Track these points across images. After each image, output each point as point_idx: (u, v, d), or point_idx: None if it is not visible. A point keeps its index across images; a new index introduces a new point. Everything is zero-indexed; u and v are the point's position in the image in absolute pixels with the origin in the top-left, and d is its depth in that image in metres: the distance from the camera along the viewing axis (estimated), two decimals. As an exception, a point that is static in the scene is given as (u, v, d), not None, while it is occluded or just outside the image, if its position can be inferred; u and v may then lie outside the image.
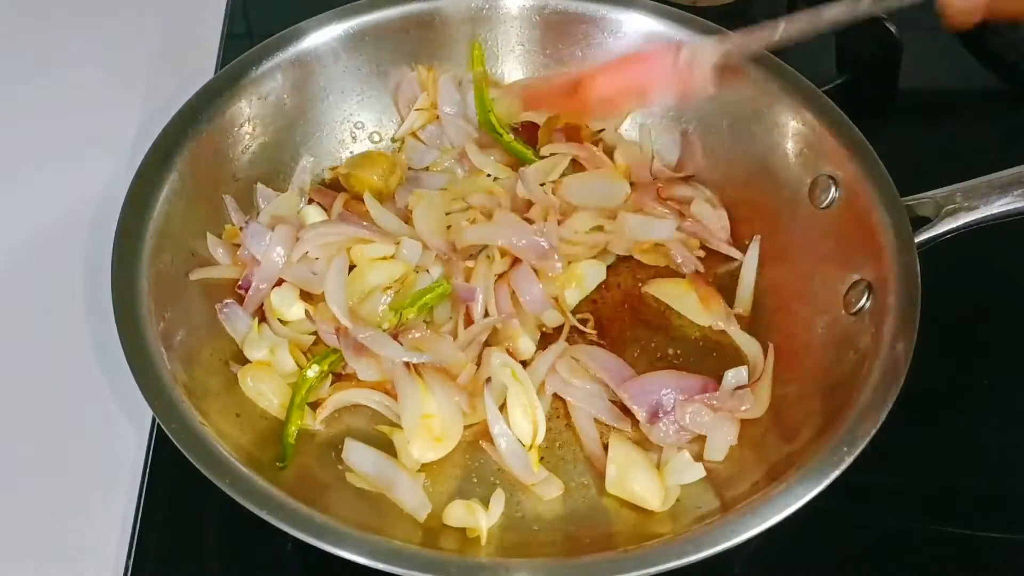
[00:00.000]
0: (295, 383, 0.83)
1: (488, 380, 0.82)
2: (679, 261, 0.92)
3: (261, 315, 0.87)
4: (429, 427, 0.80)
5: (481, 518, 0.75)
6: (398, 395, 0.81)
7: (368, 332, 0.83)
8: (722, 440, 0.80)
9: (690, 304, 0.90)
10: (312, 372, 0.82)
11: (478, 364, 0.84)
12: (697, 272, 0.92)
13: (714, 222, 0.93)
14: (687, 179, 0.98)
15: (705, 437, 0.81)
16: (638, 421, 0.82)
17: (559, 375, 0.84)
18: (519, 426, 0.81)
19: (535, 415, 0.81)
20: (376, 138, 1.02)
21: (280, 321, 0.87)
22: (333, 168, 0.99)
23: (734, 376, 0.84)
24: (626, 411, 0.83)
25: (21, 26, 1.20)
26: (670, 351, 0.88)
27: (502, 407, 0.82)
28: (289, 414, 0.81)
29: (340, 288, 0.85)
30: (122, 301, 0.78)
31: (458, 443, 0.81)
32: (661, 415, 0.81)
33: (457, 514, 0.76)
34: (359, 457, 0.79)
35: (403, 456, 0.80)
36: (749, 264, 0.92)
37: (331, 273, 0.86)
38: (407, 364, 0.82)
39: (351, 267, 0.89)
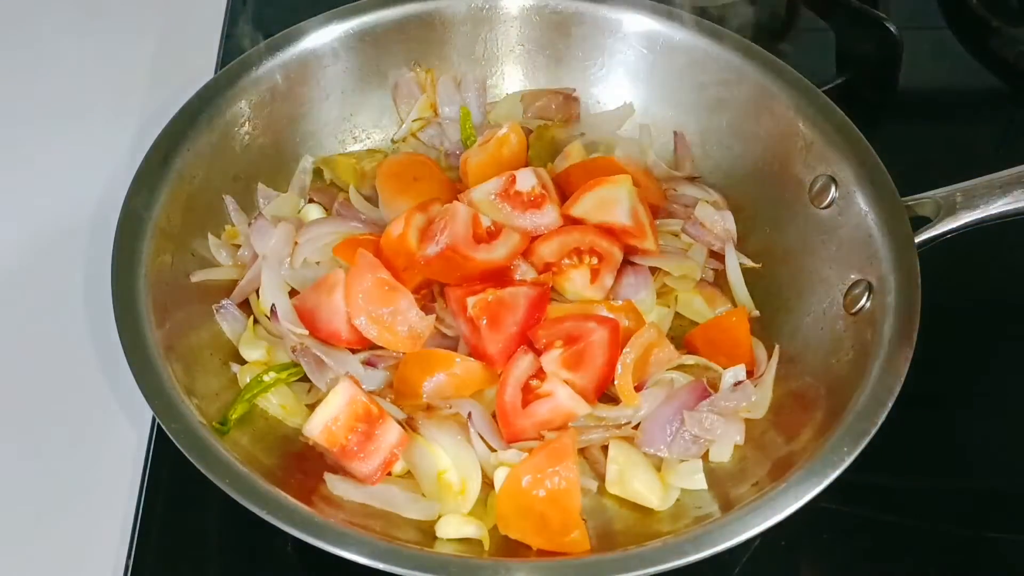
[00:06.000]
0: (248, 383, 0.81)
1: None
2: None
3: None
4: (448, 484, 0.77)
5: (474, 530, 0.74)
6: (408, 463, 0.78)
7: (325, 347, 0.81)
8: (729, 441, 0.80)
9: (695, 307, 0.90)
10: (268, 378, 0.81)
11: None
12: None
13: (719, 224, 0.93)
14: (692, 180, 0.97)
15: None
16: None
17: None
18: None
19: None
20: (376, 138, 1.02)
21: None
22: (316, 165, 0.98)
23: (732, 375, 0.84)
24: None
25: (21, 26, 1.20)
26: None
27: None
28: (235, 404, 0.79)
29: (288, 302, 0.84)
30: (122, 301, 0.78)
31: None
32: (674, 434, 0.80)
33: (450, 529, 0.74)
34: (342, 489, 0.76)
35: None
36: (731, 267, 0.91)
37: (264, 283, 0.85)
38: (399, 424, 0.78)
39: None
